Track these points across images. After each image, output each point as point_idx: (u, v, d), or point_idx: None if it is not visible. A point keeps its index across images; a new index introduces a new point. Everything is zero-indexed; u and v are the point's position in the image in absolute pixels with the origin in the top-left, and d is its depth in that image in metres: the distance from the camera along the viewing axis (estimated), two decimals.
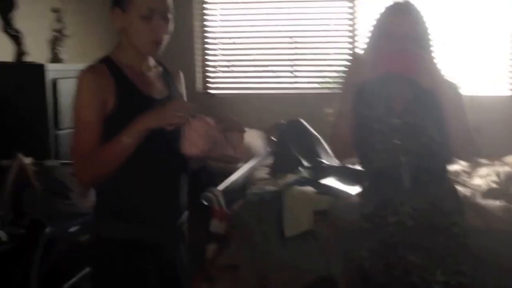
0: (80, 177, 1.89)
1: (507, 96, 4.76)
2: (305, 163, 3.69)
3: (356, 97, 2.11)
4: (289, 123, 3.95)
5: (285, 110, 4.67)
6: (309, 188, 3.30)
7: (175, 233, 2.00)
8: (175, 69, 2.09)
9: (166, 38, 1.89)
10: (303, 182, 3.38)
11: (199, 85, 5.30)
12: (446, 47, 4.70)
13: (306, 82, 5.36)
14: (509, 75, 4.77)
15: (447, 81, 2.04)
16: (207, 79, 5.35)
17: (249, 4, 5.38)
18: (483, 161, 4.09)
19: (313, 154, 3.76)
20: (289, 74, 5.37)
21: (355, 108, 2.12)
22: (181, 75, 2.11)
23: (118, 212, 1.89)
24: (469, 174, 3.82)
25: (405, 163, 2.07)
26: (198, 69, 5.30)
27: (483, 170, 3.86)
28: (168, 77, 2.03)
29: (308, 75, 5.37)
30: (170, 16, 1.89)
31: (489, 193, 3.28)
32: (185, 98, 2.10)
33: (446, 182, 2.20)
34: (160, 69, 2.02)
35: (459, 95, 2.08)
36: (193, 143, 1.76)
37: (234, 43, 5.44)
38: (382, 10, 2.13)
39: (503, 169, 3.80)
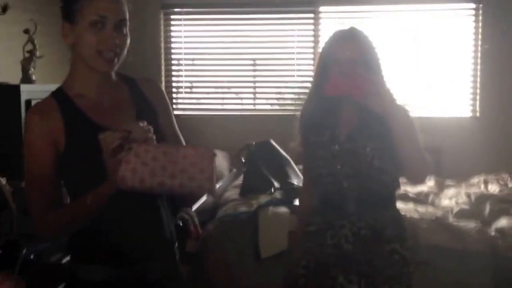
0: (43, 234, 1.70)
1: (468, 118, 4.88)
2: (276, 184, 3.70)
3: (306, 127, 2.19)
4: (259, 144, 3.94)
5: (247, 131, 4.70)
6: (283, 209, 3.30)
7: (166, 268, 1.80)
8: (144, 80, 1.85)
9: (120, 52, 1.67)
10: (277, 202, 3.36)
11: None
12: (406, 70, 4.84)
13: (267, 104, 5.42)
14: (470, 96, 4.89)
15: (397, 105, 2.02)
16: (171, 100, 5.34)
17: (212, 26, 5.41)
18: (449, 182, 4.19)
19: (283, 175, 3.76)
20: (251, 95, 5.42)
21: (306, 137, 2.20)
22: (153, 83, 1.89)
23: (94, 255, 1.71)
24: (437, 195, 3.89)
25: (348, 188, 2.10)
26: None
27: (450, 191, 3.93)
28: (137, 94, 1.79)
29: (269, 96, 5.42)
30: (124, 27, 1.68)
31: (461, 214, 3.33)
32: (161, 106, 1.83)
33: (391, 208, 2.19)
34: (125, 88, 1.79)
35: (409, 118, 2.05)
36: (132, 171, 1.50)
37: (194, 64, 5.45)
38: (330, 36, 2.16)
39: (473, 191, 3.86)
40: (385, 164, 2.10)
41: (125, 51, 1.70)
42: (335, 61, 2.07)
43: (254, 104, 5.39)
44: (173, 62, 5.37)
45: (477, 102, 4.83)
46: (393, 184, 2.18)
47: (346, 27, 2.16)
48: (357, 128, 2.12)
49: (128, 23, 1.70)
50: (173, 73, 5.38)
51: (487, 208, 3.42)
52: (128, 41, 1.70)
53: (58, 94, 1.71)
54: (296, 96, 5.24)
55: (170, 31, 5.34)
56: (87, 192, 1.59)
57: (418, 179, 2.15)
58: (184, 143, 1.85)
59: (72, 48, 1.69)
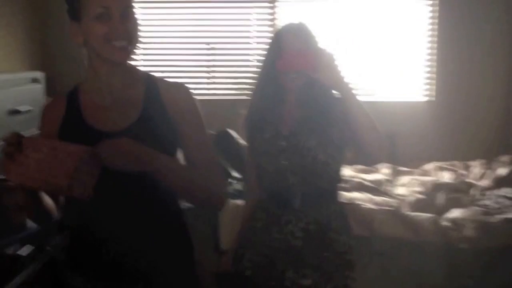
0: None
1: (423, 102, 4.92)
2: (235, 174, 3.70)
3: (250, 124, 2.25)
4: (217, 134, 3.94)
5: (206, 116, 4.67)
6: (242, 201, 3.31)
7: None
8: (169, 84, 1.77)
9: (132, 39, 1.64)
10: (236, 194, 3.39)
11: None
12: (361, 54, 4.86)
13: (223, 88, 5.38)
14: (424, 81, 4.94)
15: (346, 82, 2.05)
16: None
17: (165, 9, 5.30)
18: (403, 169, 4.27)
19: (242, 165, 3.77)
20: (206, 80, 5.36)
21: (251, 134, 2.26)
22: (179, 88, 1.77)
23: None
24: (391, 182, 3.98)
25: (294, 183, 2.15)
26: None
27: (404, 179, 4.02)
28: (151, 96, 1.72)
29: (225, 81, 5.39)
30: (131, 13, 1.65)
31: (416, 204, 3.41)
32: (183, 114, 1.74)
33: (335, 202, 2.26)
34: (141, 88, 1.73)
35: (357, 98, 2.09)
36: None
37: (146, 48, 5.35)
38: (276, 32, 2.24)
39: (426, 179, 3.95)
40: (329, 157, 2.15)
41: (138, 37, 1.67)
42: (284, 53, 2.11)
43: (209, 89, 5.35)
44: None
45: (434, 87, 4.89)
46: (337, 177, 2.25)
47: (295, 22, 2.22)
48: (301, 122, 2.18)
49: (134, 8, 1.67)
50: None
51: (441, 198, 3.51)
52: (138, 26, 1.67)
53: (72, 90, 1.76)
54: (253, 81, 5.19)
55: None
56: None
57: (375, 157, 2.15)
58: (213, 155, 1.79)
59: (84, 46, 1.69)
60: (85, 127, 1.67)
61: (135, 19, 1.66)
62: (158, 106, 1.72)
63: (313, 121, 2.17)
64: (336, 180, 2.26)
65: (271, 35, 4.86)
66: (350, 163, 4.24)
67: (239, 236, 2.34)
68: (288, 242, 2.16)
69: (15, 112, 2.88)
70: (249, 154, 2.35)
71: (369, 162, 2.19)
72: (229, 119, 4.03)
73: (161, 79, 1.79)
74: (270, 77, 2.19)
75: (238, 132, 4.00)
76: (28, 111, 3.20)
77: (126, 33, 1.63)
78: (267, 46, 2.25)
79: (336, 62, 2.00)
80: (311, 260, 2.14)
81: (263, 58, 2.27)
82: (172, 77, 5.13)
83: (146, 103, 1.71)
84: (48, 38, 4.76)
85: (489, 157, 4.27)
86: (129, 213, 1.67)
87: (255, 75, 2.35)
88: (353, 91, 2.04)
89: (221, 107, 4.88)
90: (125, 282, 1.71)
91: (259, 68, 2.30)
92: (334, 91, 2.10)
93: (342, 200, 2.39)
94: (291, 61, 2.05)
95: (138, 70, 1.80)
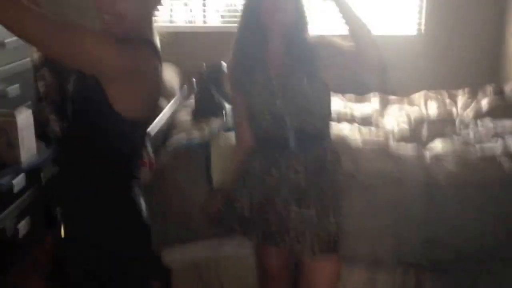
0: None
1: (413, 36, 4.96)
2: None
3: (236, 69, 2.31)
4: (209, 67, 3.98)
5: (197, 46, 4.69)
6: (234, 136, 3.38)
7: None
8: None
9: (122, 14, 1.72)
10: (228, 128, 3.43)
11: None
12: None
13: (217, 18, 5.31)
14: (417, 15, 4.95)
15: None
16: None
17: None
18: (392, 97, 4.36)
19: None
20: (200, 8, 5.30)
21: (239, 79, 2.32)
22: None
23: None
24: (380, 113, 4.07)
25: (289, 123, 2.25)
26: None
27: (393, 109, 4.11)
28: None
29: (218, 9, 5.32)
30: None
31: (401, 136, 3.52)
32: None
33: (328, 137, 2.41)
34: None
35: None
36: None
37: None
38: None
39: (412, 110, 4.04)
40: (320, 93, 2.25)
41: (132, 11, 1.74)
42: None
43: (204, 20, 5.30)
44: None
45: (423, 20, 4.90)
46: (328, 113, 2.35)
47: None
48: (289, 61, 2.25)
49: None
50: None
51: (425, 129, 3.63)
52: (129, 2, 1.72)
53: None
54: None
55: None
56: None
57: (370, 59, 2.18)
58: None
59: None
60: None
61: None
62: None
63: (301, 57, 2.25)
64: (327, 116, 2.37)
65: None
66: (342, 91, 4.33)
67: (233, 181, 2.43)
68: (290, 178, 2.28)
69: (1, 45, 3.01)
70: (237, 101, 2.42)
71: (364, 65, 2.25)
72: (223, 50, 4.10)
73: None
74: (254, 17, 2.24)
75: None
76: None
77: (112, 8, 1.71)
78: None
79: None
80: (312, 192, 2.29)
81: (245, 1, 2.30)
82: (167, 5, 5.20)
83: None
84: None
85: (476, 85, 4.35)
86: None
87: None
88: (349, 3, 2.11)
89: (215, 38, 4.91)
90: None
91: (241, 13, 2.33)
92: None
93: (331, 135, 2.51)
94: None
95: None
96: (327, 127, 2.40)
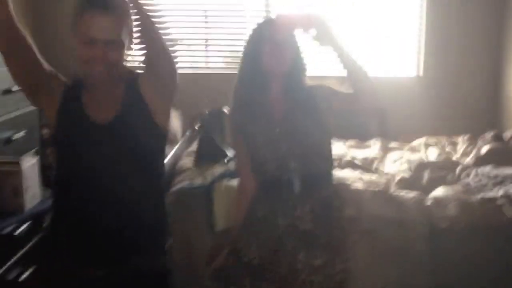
0: None
1: (412, 77, 4.99)
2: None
3: (240, 118, 2.33)
4: (211, 113, 4.02)
5: (199, 90, 4.73)
6: (236, 182, 3.41)
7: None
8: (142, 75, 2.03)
9: (112, 65, 1.90)
10: (230, 174, 3.46)
11: None
12: (352, 30, 4.86)
13: (219, 62, 5.39)
14: (415, 56, 4.99)
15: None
16: None
17: None
18: (393, 145, 4.38)
19: None
20: (202, 53, 5.39)
21: (242, 127, 2.33)
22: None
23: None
24: (381, 160, 4.09)
25: (294, 168, 2.24)
26: None
27: (393, 155, 4.13)
28: (134, 87, 1.99)
29: (221, 55, 5.39)
30: (115, 44, 1.89)
31: (402, 183, 3.53)
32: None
33: (331, 182, 2.40)
34: (122, 83, 1.99)
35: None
36: None
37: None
38: (256, 26, 2.33)
39: (414, 157, 4.06)
40: (322, 138, 2.29)
41: (121, 62, 1.94)
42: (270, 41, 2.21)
43: (207, 63, 5.38)
44: None
45: (421, 62, 4.95)
46: (330, 158, 2.37)
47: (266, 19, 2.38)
48: (291, 106, 2.28)
49: (125, 41, 1.90)
50: None
51: (426, 176, 3.64)
52: (124, 53, 1.93)
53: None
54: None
55: None
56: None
57: (368, 102, 2.22)
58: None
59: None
60: (81, 112, 1.96)
61: (121, 48, 1.90)
62: (136, 97, 1.98)
63: (303, 104, 2.28)
64: (330, 161, 2.38)
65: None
66: (345, 137, 4.36)
67: (238, 229, 2.39)
68: (296, 226, 2.25)
69: (8, 91, 3.02)
70: (238, 146, 2.43)
71: (361, 104, 2.28)
72: (225, 93, 4.15)
73: (135, 72, 2.04)
74: (254, 67, 2.27)
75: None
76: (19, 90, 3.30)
77: (106, 62, 1.87)
78: (249, 38, 2.33)
79: (328, 21, 2.13)
80: (320, 240, 2.26)
81: (245, 49, 2.34)
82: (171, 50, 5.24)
83: (126, 95, 1.98)
84: (43, 29, 4.77)
85: (476, 132, 4.36)
86: (111, 185, 1.94)
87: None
88: (346, 47, 2.15)
89: (217, 81, 4.96)
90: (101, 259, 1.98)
91: (241, 60, 2.37)
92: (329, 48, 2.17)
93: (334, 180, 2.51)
94: (284, 23, 2.16)
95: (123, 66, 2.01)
96: (330, 171, 2.41)
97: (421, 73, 4.96)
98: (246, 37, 2.36)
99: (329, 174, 2.39)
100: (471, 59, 4.83)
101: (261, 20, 2.36)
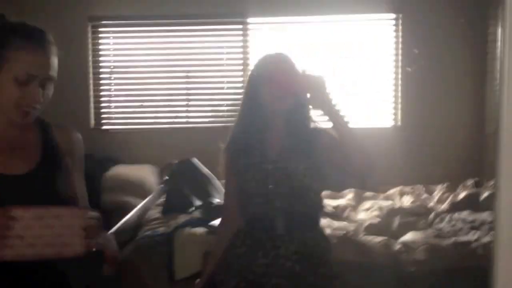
0: None
1: (390, 127, 4.99)
2: (197, 203, 3.75)
3: (234, 150, 2.24)
4: (180, 163, 3.99)
5: (179, 144, 4.74)
6: (200, 229, 3.34)
7: None
8: (60, 128, 1.82)
9: (40, 107, 1.67)
10: (195, 223, 3.41)
11: (92, 120, 5.27)
12: (329, 81, 4.93)
13: (200, 116, 5.45)
14: (392, 105, 5.00)
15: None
16: (101, 115, 5.34)
17: (142, 38, 5.41)
18: (368, 194, 4.30)
19: (204, 194, 3.81)
20: (183, 108, 5.44)
21: (235, 160, 2.24)
22: (68, 132, 1.83)
23: None
24: (354, 208, 4.01)
25: (279, 207, 2.16)
26: (91, 104, 5.29)
27: (366, 204, 4.05)
28: (48, 140, 1.76)
29: (202, 109, 5.46)
30: (50, 82, 1.66)
31: (371, 228, 3.43)
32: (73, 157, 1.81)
33: (318, 227, 2.29)
34: (36, 132, 1.76)
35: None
36: None
37: (124, 78, 5.43)
38: (257, 62, 2.26)
39: (386, 204, 3.98)
40: (314, 182, 2.19)
41: (46, 104, 1.68)
42: (268, 75, 2.15)
43: (187, 117, 5.42)
44: (101, 75, 5.35)
45: (399, 111, 4.94)
46: (319, 202, 2.28)
47: (274, 52, 2.27)
48: (288, 146, 2.21)
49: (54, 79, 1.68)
50: (102, 87, 5.36)
51: (396, 222, 3.54)
52: (52, 91, 1.68)
53: None
54: (228, 108, 5.29)
55: (99, 44, 5.33)
56: None
57: (365, 168, 2.14)
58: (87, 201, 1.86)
59: None
60: None
61: (51, 88, 1.68)
62: (54, 148, 1.76)
63: (300, 145, 2.22)
64: (319, 205, 2.30)
65: (243, 62, 5.07)
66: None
67: (218, 265, 2.30)
68: (279, 265, 2.15)
69: None
70: (229, 182, 2.36)
71: (359, 174, 2.22)
72: (207, 146, 4.13)
73: (47, 122, 1.80)
74: (255, 103, 2.22)
75: (212, 160, 4.03)
76: None
77: (38, 102, 1.64)
78: (251, 74, 2.28)
79: (325, 85, 2.08)
80: (305, 280, 2.15)
81: (246, 85, 2.29)
82: (150, 107, 5.33)
83: (44, 145, 1.74)
84: None
85: (456, 180, 4.28)
86: None
87: (229, 103, 2.35)
88: (342, 114, 2.08)
89: (198, 134, 4.98)
90: None
91: (242, 96, 2.31)
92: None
93: None
94: (280, 83, 2.10)
95: None
96: (318, 214, 2.33)
97: (399, 123, 4.92)
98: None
99: (317, 219, 2.31)
100: (448, 107, 4.83)
101: (263, 55, 2.29)
